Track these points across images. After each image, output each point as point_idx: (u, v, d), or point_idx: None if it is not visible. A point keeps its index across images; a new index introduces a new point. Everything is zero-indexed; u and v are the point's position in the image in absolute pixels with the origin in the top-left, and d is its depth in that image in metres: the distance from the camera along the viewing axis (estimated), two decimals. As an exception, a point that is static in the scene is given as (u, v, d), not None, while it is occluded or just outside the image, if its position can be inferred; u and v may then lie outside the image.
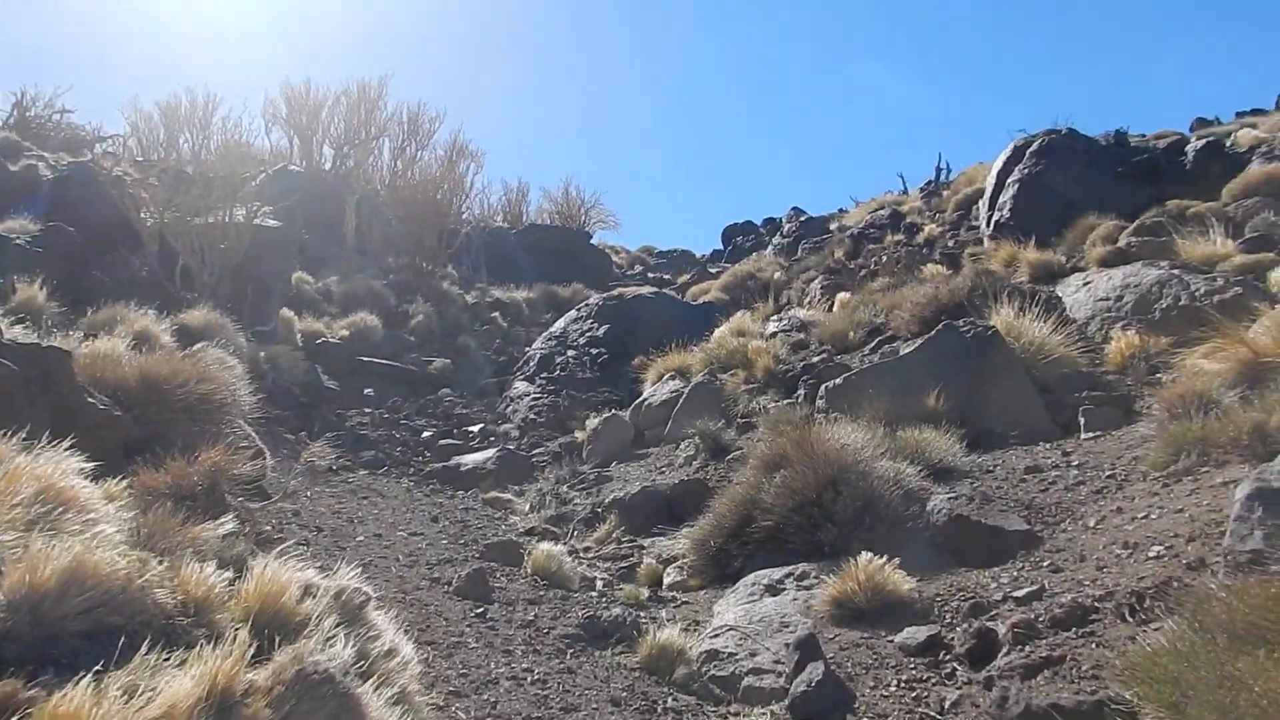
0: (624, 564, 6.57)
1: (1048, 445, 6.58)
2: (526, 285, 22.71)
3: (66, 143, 21.52)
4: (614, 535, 7.36)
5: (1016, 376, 7.34)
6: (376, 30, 58.38)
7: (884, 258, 12.62)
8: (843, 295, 12.35)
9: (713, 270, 19.29)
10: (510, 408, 13.39)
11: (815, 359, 9.64)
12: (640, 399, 10.84)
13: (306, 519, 6.54)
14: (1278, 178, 10.28)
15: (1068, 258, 9.93)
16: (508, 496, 9.27)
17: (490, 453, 11.21)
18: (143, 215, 13.54)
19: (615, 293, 15.03)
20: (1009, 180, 12.47)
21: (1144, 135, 13.69)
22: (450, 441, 12.05)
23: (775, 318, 11.91)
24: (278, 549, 4.64)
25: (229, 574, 3.48)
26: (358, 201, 20.67)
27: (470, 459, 11.12)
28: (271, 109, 24.99)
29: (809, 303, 12.92)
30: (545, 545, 5.98)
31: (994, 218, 12.44)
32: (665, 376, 10.92)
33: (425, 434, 12.46)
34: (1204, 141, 12.50)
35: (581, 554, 7.03)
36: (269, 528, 5.65)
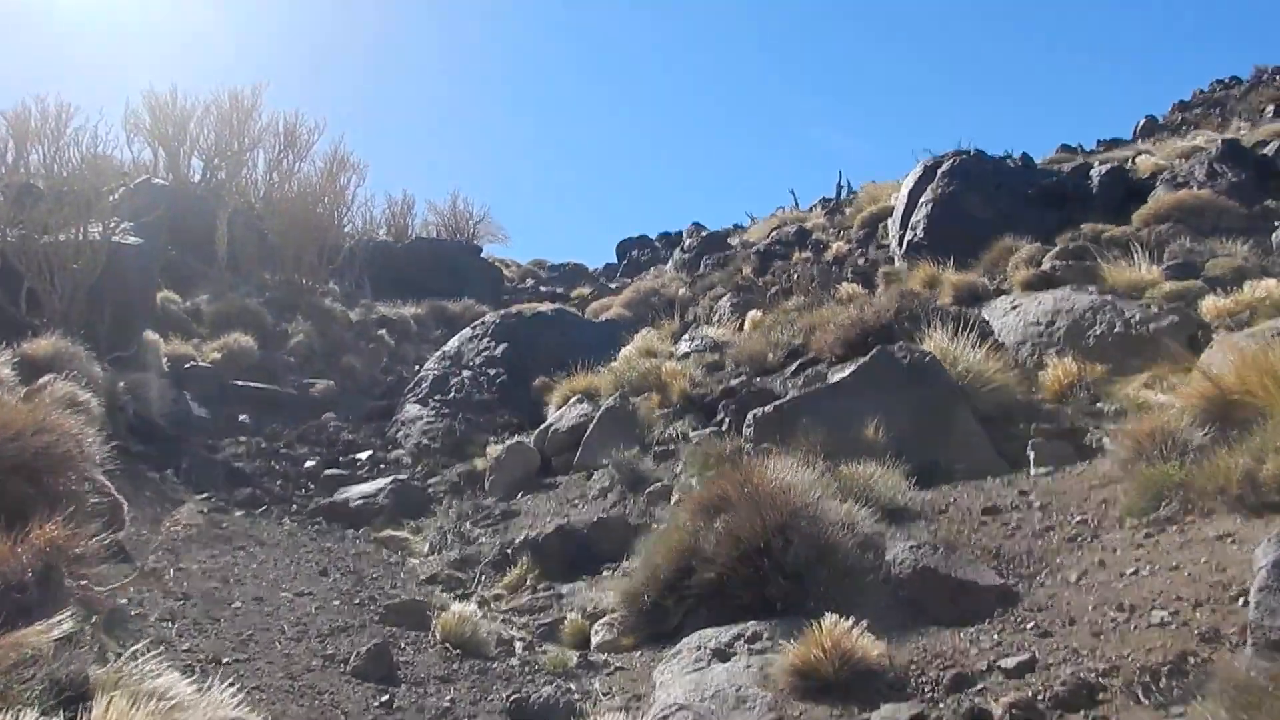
0: (544, 618, 5.87)
1: (1000, 481, 6.19)
2: (414, 301, 21.67)
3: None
4: (528, 581, 6.66)
5: (957, 406, 6.96)
6: (249, 38, 55.84)
7: (794, 275, 12.26)
8: (754, 313, 11.92)
9: (613, 286, 18.73)
10: (402, 432, 12.49)
11: (734, 382, 9.13)
12: (546, 424, 10.13)
13: (173, 583, 5.61)
14: (1187, 203, 10.33)
15: (990, 279, 9.71)
16: (404, 535, 8.45)
17: (382, 483, 10.34)
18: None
19: (514, 310, 14.27)
20: (921, 199, 12.29)
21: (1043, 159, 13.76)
22: (336, 472, 11.11)
23: (686, 337, 11.38)
24: (134, 640, 3.80)
25: None
26: (230, 215, 19.28)
27: (360, 490, 10.22)
28: (134, 119, 23.22)
29: (718, 321, 12.46)
30: (455, 606, 5.24)
31: (906, 237, 12.23)
32: (572, 399, 10.25)
33: (308, 464, 11.48)
34: (1107, 167, 12.58)
35: (493, 606, 6.30)
36: (126, 601, 4.75)
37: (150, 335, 13.91)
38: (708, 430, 7.97)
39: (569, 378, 10.97)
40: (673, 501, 7.11)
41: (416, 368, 17.19)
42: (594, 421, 9.29)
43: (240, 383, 13.88)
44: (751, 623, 4.81)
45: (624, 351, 11.90)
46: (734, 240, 19.60)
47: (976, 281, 9.61)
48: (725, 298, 13.10)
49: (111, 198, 13.68)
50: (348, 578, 6.45)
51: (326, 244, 20.67)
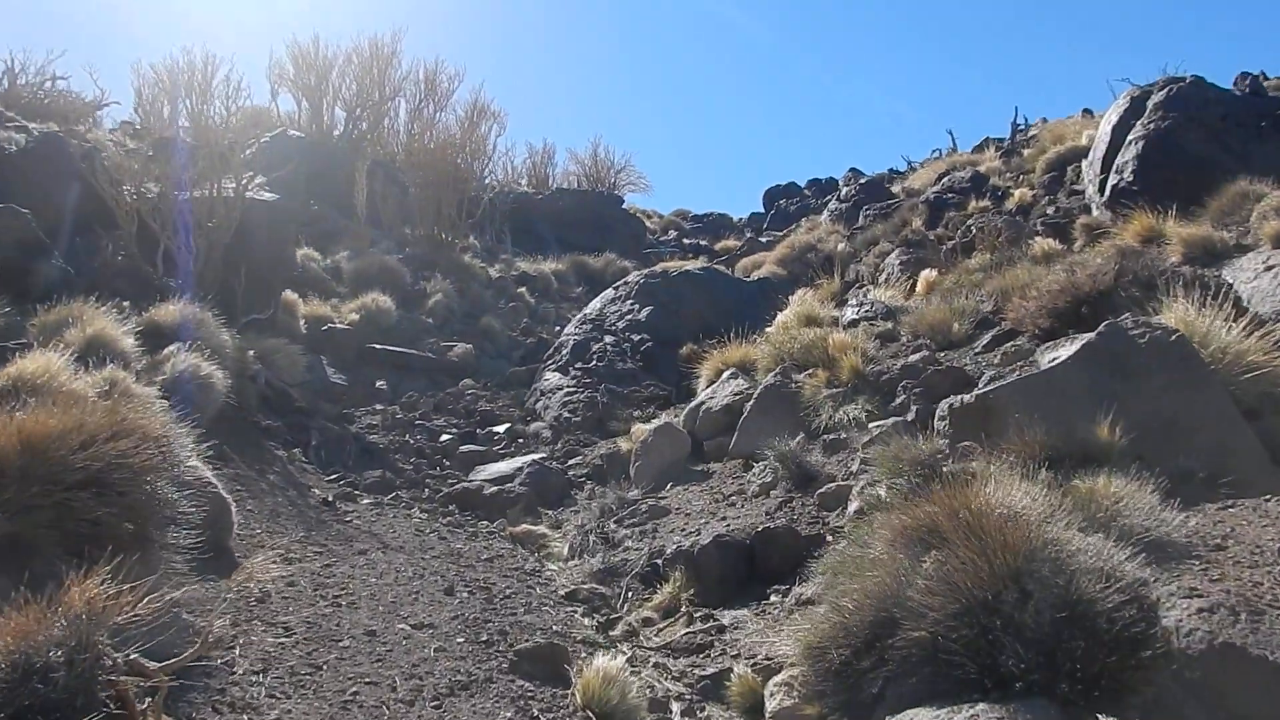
0: (704, 664, 4.87)
1: (1287, 500, 4.79)
2: (554, 256, 20.98)
3: (62, 113, 19.90)
4: (682, 604, 5.67)
5: (1215, 398, 5.52)
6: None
7: (974, 228, 10.74)
8: (928, 273, 10.51)
9: (764, 240, 17.45)
10: (541, 403, 11.72)
11: (914, 357, 7.84)
12: (697, 402, 9.09)
13: (278, 607, 4.88)
14: None
15: (1227, 232, 8.02)
16: (542, 529, 7.62)
17: (520, 463, 9.58)
18: (123, 191, 11.89)
19: (658, 269, 13.24)
20: (1130, 137, 10.50)
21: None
22: (472, 448, 10.43)
23: (852, 301, 10.09)
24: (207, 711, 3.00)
25: None
26: (369, 168, 18.90)
27: (496, 471, 9.50)
28: (278, 70, 23.23)
29: (886, 281, 11.10)
30: (599, 661, 4.27)
31: (1110, 181, 10.49)
32: (725, 373, 9.17)
33: (444, 438, 10.86)
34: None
35: (642, 637, 5.34)
36: (215, 635, 3.99)
37: (289, 296, 13.58)
38: (889, 421, 6.74)
39: (721, 347, 9.89)
40: (850, 509, 5.96)
41: (557, 329, 16.46)
42: (751, 401, 8.20)
43: (378, 346, 13.42)
44: (981, 706, 3.65)
45: (780, 317, 10.72)
46: (896, 188, 17.96)
47: (1213, 235, 7.93)
48: (893, 254, 11.68)
49: (247, 151, 13.20)
50: (476, 596, 5.60)
51: (466, 196, 20.12)
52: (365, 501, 7.87)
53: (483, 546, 7.00)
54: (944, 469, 5.24)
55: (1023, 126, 16.79)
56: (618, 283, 13.48)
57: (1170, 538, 4.50)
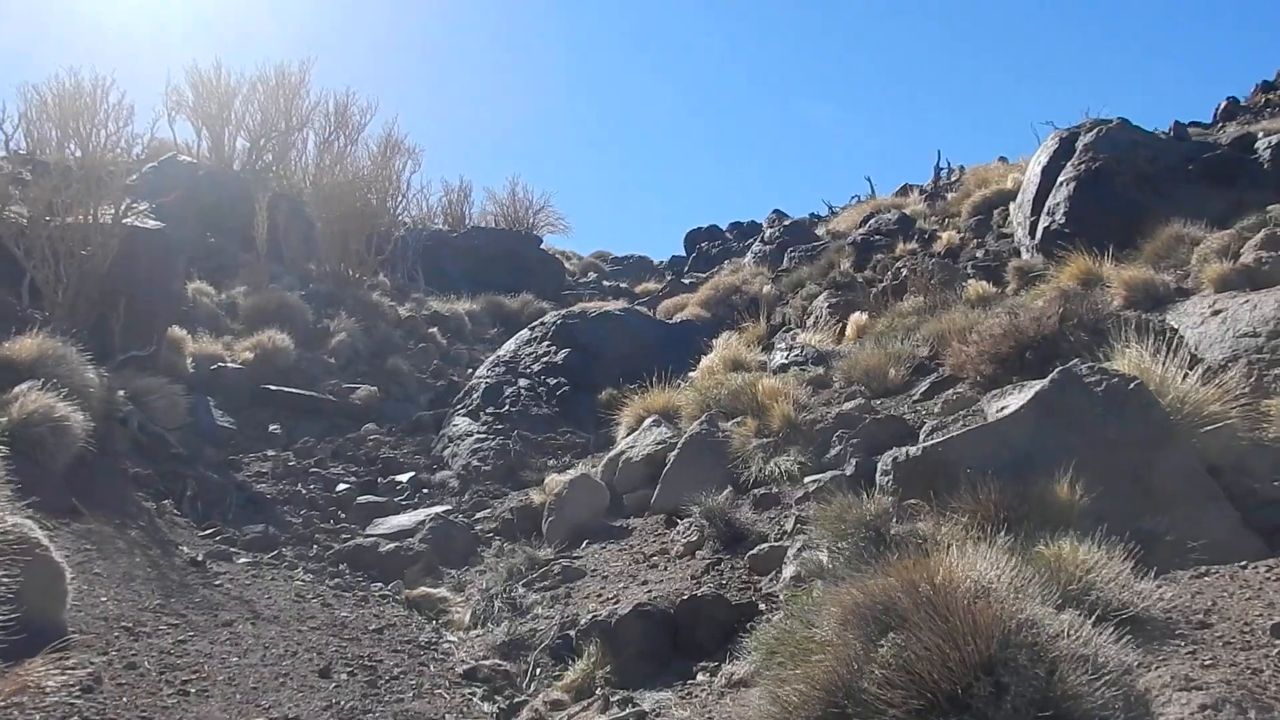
0: (622, 763, 4.17)
1: (1264, 571, 4.33)
2: (469, 296, 20.17)
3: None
4: (598, 682, 4.96)
5: (1179, 453, 5.09)
6: (296, 12, 54.67)
7: (904, 271, 10.40)
8: (858, 316, 10.10)
9: (686, 281, 17.01)
10: (449, 450, 10.92)
11: (848, 405, 7.34)
12: (616, 452, 8.44)
13: (106, 697, 4.03)
14: None
15: (1166, 276, 7.75)
16: (442, 592, 6.84)
17: (421, 516, 8.80)
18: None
19: (577, 310, 12.59)
20: (1061, 178, 10.31)
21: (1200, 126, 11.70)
22: (371, 498, 9.58)
23: (781, 345, 9.59)
24: None
25: None
26: (272, 200, 17.92)
27: (395, 525, 8.68)
28: (175, 96, 22.05)
29: (815, 324, 10.66)
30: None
31: (1042, 224, 10.27)
32: (647, 421, 8.55)
33: (340, 487, 9.98)
34: (1278, 138, 10.47)
35: (551, 726, 4.62)
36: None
37: (175, 332, 12.55)
38: (825, 475, 6.17)
39: (642, 392, 9.27)
40: (786, 574, 5.36)
41: (469, 371, 15.66)
42: (675, 451, 7.58)
43: (273, 387, 12.45)
44: (952, 825, 3.06)
45: (705, 361, 10.19)
46: (820, 230, 17.73)
47: (1155, 278, 7.64)
48: (821, 297, 11.28)
49: (131, 177, 12.20)
50: (358, 678, 4.81)
51: (376, 232, 19.23)
52: (242, 561, 6.98)
53: (373, 614, 6.19)
54: (891, 531, 4.67)
55: (945, 170, 16.78)
56: (533, 323, 12.81)
57: (1149, 613, 3.99)
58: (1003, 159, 15.86)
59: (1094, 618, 3.72)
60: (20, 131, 16.80)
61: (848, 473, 5.91)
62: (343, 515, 9.25)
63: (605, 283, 27.42)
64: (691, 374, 10.81)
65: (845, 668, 3.55)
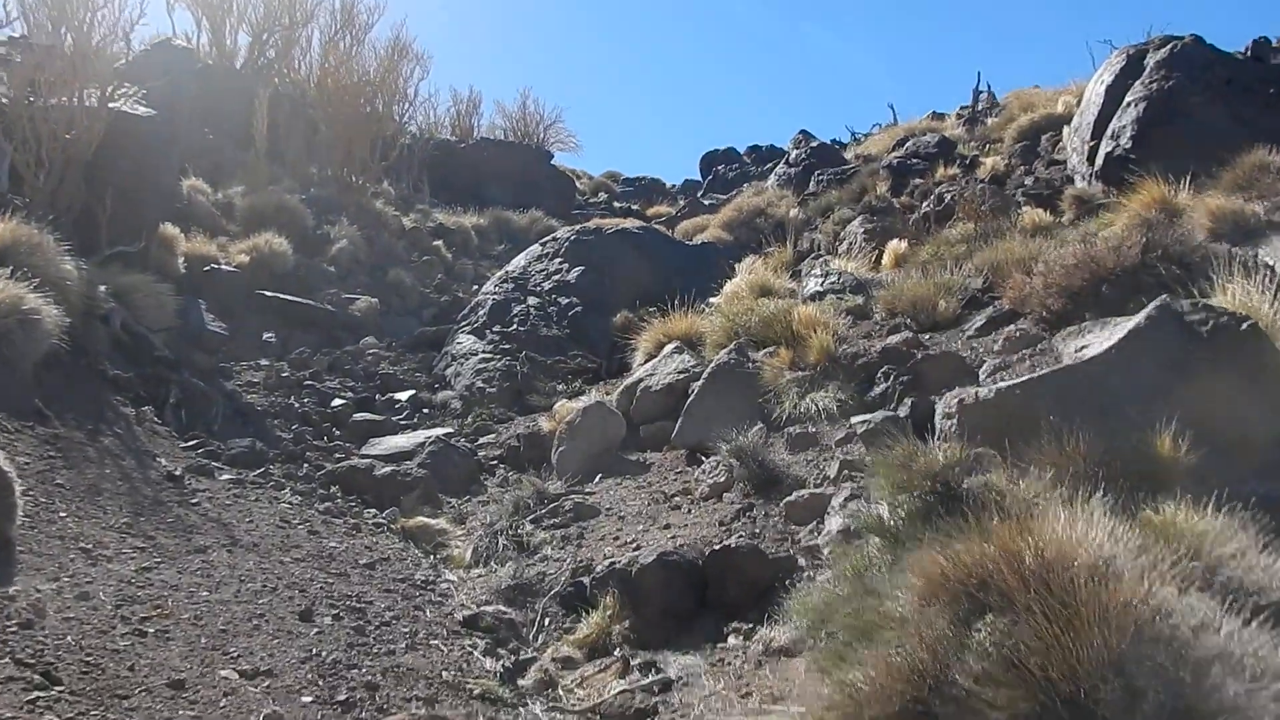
0: (646, 740, 3.59)
1: None
2: (476, 210, 19.35)
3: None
4: (615, 638, 4.40)
5: (1294, 402, 4.44)
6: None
7: (947, 196, 9.63)
8: (896, 244, 9.36)
9: (707, 203, 16.17)
10: (451, 369, 10.28)
11: (894, 339, 6.67)
12: (633, 379, 7.80)
13: (49, 634, 3.44)
14: None
15: (1260, 208, 6.99)
16: (441, 524, 6.26)
17: (421, 438, 8.21)
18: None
19: (591, 226, 11.82)
20: (1128, 99, 9.45)
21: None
22: (368, 416, 8.99)
23: (813, 271, 8.86)
24: None
25: None
26: (272, 98, 16.98)
27: (392, 446, 8.11)
28: (175, -16, 20.89)
29: (848, 251, 9.93)
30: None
31: (1104, 149, 9.43)
32: (667, 348, 7.90)
33: (336, 402, 9.38)
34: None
35: (561, 690, 4.05)
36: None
37: (168, 230, 11.80)
38: (875, 416, 5.51)
39: (662, 317, 8.59)
40: (830, 527, 4.75)
41: (475, 288, 14.96)
42: (700, 381, 6.93)
43: (269, 293, 11.76)
44: None
45: (729, 286, 9.48)
46: (850, 155, 16.84)
47: (1244, 209, 6.87)
48: (855, 222, 10.52)
49: (120, 62, 11.31)
50: (344, 622, 4.23)
51: (382, 138, 18.34)
52: (224, 478, 6.37)
53: (364, 545, 5.60)
54: (964, 485, 4.03)
55: (985, 93, 15.84)
56: (545, 239, 12.04)
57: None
58: (1035, 87, 14.96)
59: (1227, 603, 3.10)
60: (19, 19, 15.84)
61: (901, 414, 5.26)
62: (337, 433, 8.66)
63: (615, 204, 26.55)
64: (714, 299, 10.12)
65: (931, 654, 2.94)
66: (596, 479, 6.62)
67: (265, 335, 11.15)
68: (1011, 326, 6.28)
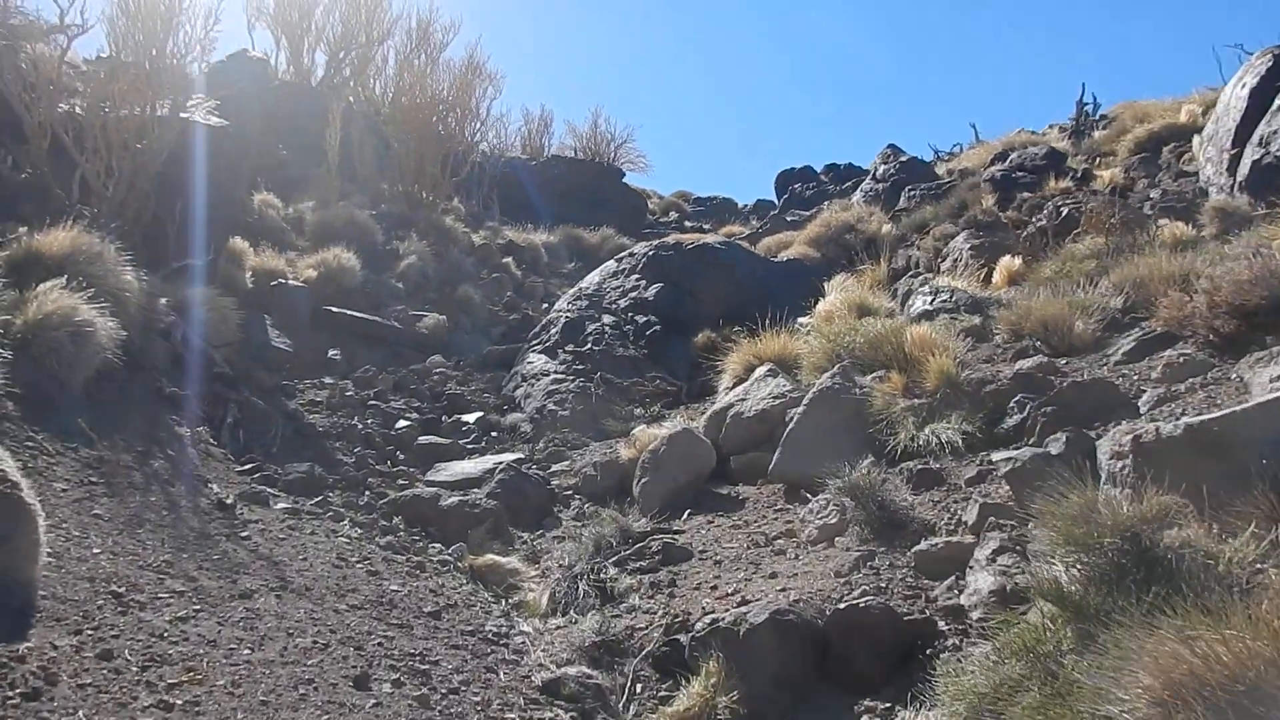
0: None
1: None
2: (546, 227, 18.90)
3: (24, 34, 17.61)
4: (720, 718, 3.67)
5: None
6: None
7: (1064, 209, 8.79)
8: (1009, 260, 8.55)
9: (789, 218, 15.46)
10: (521, 390, 9.71)
11: (1026, 364, 5.88)
12: (722, 404, 7.10)
13: (57, 705, 2.87)
14: None
15: None
16: (513, 563, 5.62)
17: (489, 464, 7.62)
18: (37, 100, 9.75)
19: (671, 240, 11.16)
20: (1276, 106, 8.53)
21: None
22: (434, 439, 8.45)
23: (921, 290, 8.08)
24: None
25: None
26: (345, 114, 16.74)
27: (459, 472, 7.54)
28: (255, 3, 20.98)
29: (953, 268, 9.14)
30: None
31: (1248, 157, 8.53)
32: (759, 371, 7.19)
33: (401, 424, 8.87)
34: None
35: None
36: None
37: (237, 243, 11.50)
38: (1023, 453, 4.72)
39: (750, 337, 7.89)
40: (980, 586, 3.99)
41: (545, 306, 14.43)
42: (800, 408, 6.21)
43: (335, 309, 11.34)
44: None
45: (824, 305, 8.76)
46: (941, 170, 16.00)
47: None
48: (960, 237, 9.71)
49: (193, 69, 11.01)
50: (405, 689, 3.60)
51: (453, 154, 18.00)
52: (279, 506, 5.84)
53: (429, 587, 4.99)
54: (1161, 543, 3.26)
55: (1091, 105, 14.91)
56: (621, 254, 11.42)
57: None
58: (1150, 100, 14.00)
59: None
60: (105, 35, 15.87)
61: (1053, 451, 4.47)
62: (401, 456, 8.12)
63: (687, 223, 25.96)
64: (803, 319, 9.40)
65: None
66: (685, 515, 5.94)
67: (330, 352, 10.73)
68: (1171, 351, 5.46)
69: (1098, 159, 11.84)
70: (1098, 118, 14.61)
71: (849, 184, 21.80)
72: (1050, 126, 15.99)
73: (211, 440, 6.81)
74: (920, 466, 5.27)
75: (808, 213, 16.51)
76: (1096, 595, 3.15)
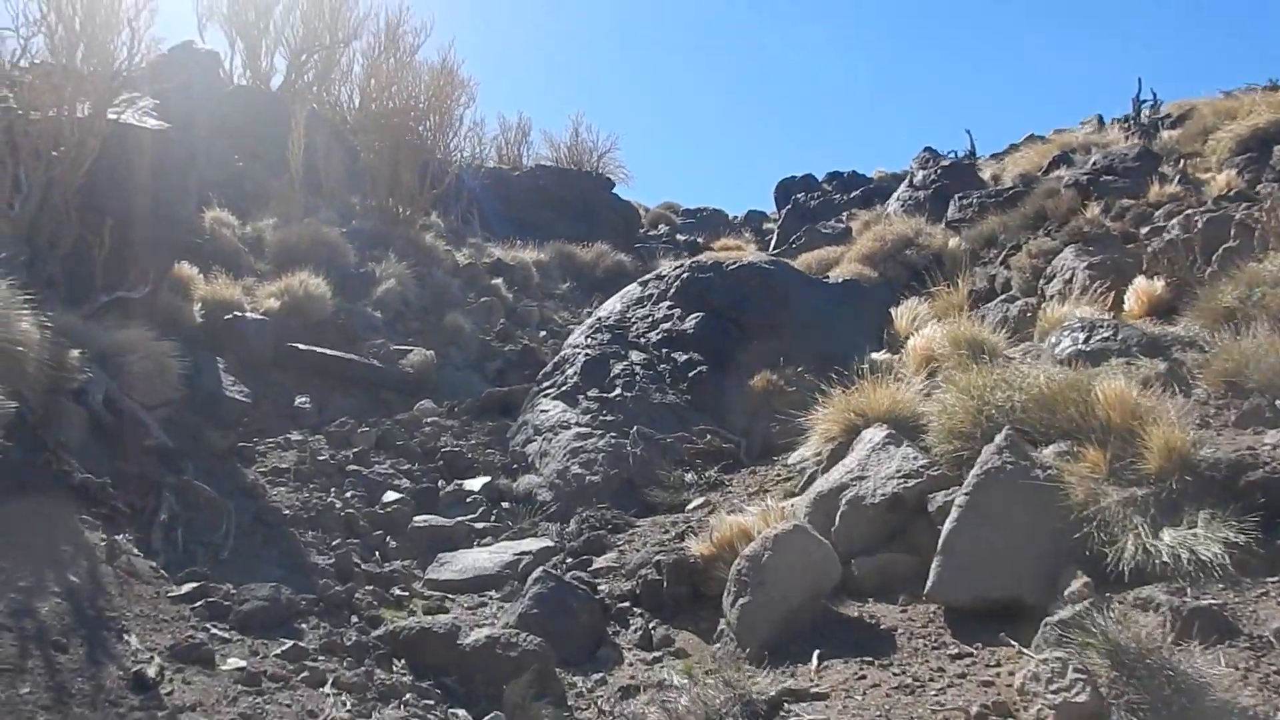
0: None
1: None
2: (533, 243, 17.13)
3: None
4: None
5: None
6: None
7: (1199, 221, 7.18)
8: (1143, 283, 6.90)
9: (825, 231, 13.78)
10: (535, 446, 7.92)
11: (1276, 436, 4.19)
12: (829, 486, 5.32)
13: None
14: None
15: None
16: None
17: (508, 555, 5.96)
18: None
19: (707, 260, 9.33)
20: None
21: None
22: (431, 521, 6.72)
23: (1069, 325, 6.34)
24: None
25: None
26: (309, 121, 14.86)
27: (469, 567, 5.88)
28: (208, 2, 19.07)
29: (1067, 292, 7.48)
30: None
31: None
32: (869, 435, 5.44)
33: (389, 496, 7.14)
34: None
35: None
36: None
37: (183, 269, 9.64)
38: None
39: (840, 387, 6.15)
40: None
41: (541, 334, 12.66)
42: (961, 497, 4.47)
43: (302, 346, 9.54)
44: None
45: (914, 341, 7.07)
46: (989, 174, 14.42)
47: None
48: (1068, 254, 8.04)
49: (123, 65, 9.10)
50: None
51: (431, 164, 16.18)
52: (230, 665, 3.99)
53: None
54: None
55: (1150, 103, 13.38)
56: (645, 277, 9.61)
57: None
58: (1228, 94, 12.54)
59: None
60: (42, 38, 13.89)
61: None
62: (393, 545, 6.36)
63: (678, 236, 24.31)
64: (874, 354, 7.72)
65: None
66: (815, 661, 4.16)
67: (298, 400, 8.93)
68: None
69: (1181, 159, 10.32)
70: (1159, 115, 13.10)
71: (856, 192, 20.27)
72: (1110, 122, 14.45)
73: (136, 551, 4.95)
74: (1191, 605, 3.56)
75: (829, 225, 14.84)
76: None
